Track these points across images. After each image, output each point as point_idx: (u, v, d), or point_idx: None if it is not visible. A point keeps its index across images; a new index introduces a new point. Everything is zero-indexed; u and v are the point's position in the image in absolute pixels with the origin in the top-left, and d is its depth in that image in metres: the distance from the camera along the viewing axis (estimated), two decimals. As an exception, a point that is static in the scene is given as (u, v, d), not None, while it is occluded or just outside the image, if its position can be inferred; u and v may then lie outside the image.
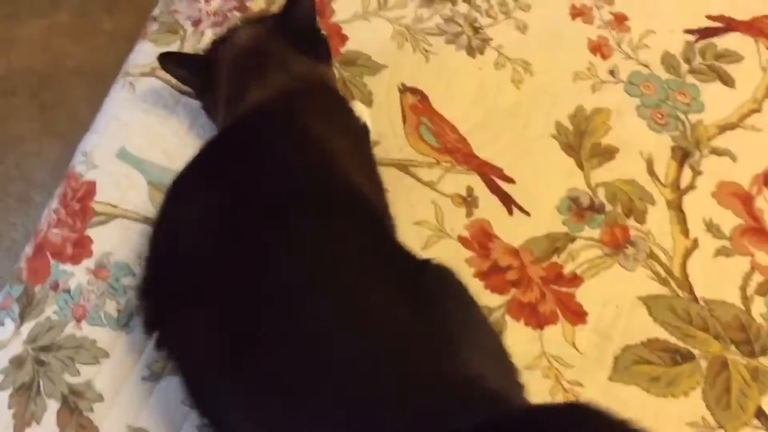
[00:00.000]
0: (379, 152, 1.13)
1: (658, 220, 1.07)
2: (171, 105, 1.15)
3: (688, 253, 1.05)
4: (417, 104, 1.16)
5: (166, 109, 1.15)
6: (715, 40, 1.20)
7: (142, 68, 1.19)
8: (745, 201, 1.07)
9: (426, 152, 1.14)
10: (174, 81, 1.15)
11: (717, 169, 1.10)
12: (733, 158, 1.10)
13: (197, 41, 1.20)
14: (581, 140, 1.13)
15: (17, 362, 1.03)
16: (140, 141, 1.14)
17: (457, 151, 1.14)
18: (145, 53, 1.21)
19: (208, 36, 1.20)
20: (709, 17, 1.22)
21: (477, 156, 1.13)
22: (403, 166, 1.13)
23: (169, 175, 1.09)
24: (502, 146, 1.13)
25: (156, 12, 1.26)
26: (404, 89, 1.17)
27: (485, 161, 1.13)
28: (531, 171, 1.12)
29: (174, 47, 1.20)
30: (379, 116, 1.16)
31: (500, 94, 1.17)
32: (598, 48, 1.20)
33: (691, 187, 1.09)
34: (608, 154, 1.12)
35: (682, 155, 1.11)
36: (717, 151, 1.11)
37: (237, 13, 1.21)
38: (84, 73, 1.77)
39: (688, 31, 1.21)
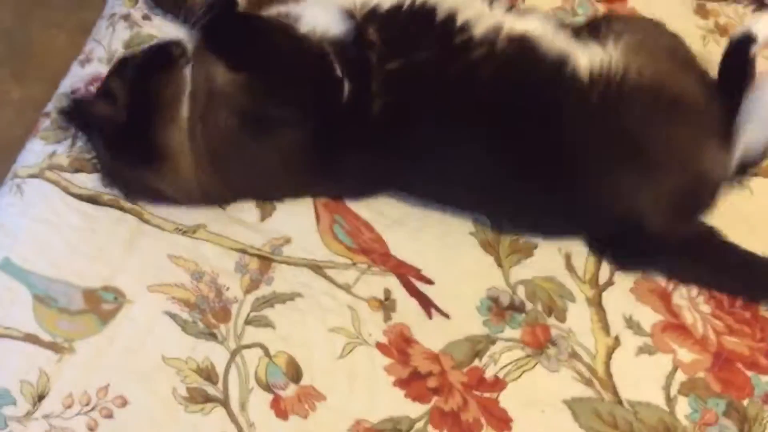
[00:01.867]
0: (291, 252, 1.08)
1: (578, 317, 1.05)
2: (61, 210, 1.06)
3: (610, 352, 1.02)
4: (330, 202, 1.12)
5: (56, 216, 1.06)
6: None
7: (31, 169, 1.10)
8: (662, 297, 1.06)
9: (341, 252, 1.09)
10: (65, 183, 1.08)
11: (635, 264, 1.10)
12: (649, 253, 1.10)
13: (90, 139, 1.12)
14: (499, 237, 1.10)
15: None
16: (25, 251, 1.04)
17: (373, 251, 1.09)
18: (35, 153, 1.12)
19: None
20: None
21: (394, 256, 1.09)
22: (318, 268, 1.07)
23: (57, 287, 1.02)
24: (420, 245, 1.10)
25: (48, 107, 1.18)
26: (316, 186, 1.13)
27: (402, 261, 1.08)
28: (450, 270, 1.08)
29: (65, 146, 1.12)
30: (291, 214, 1.11)
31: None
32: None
33: (610, 283, 1.08)
34: (527, 250, 1.10)
35: (599, 250, 1.10)
36: (633, 246, 1.11)
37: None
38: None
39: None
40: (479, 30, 1.01)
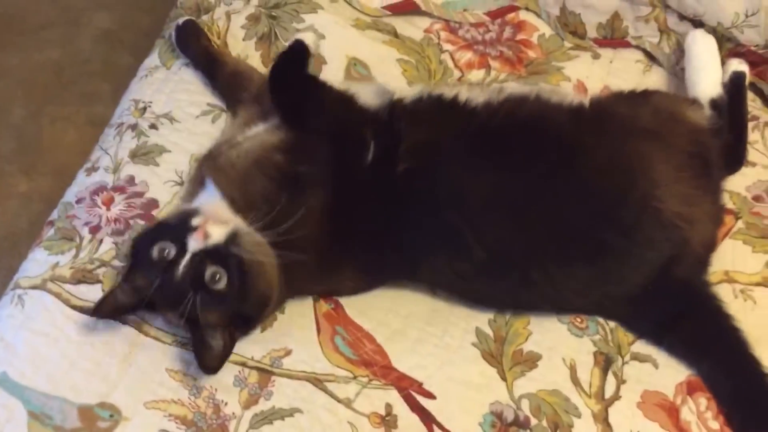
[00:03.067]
0: (291, 364, 1.06)
1: (585, 434, 1.02)
2: (60, 323, 1.05)
3: (618, 472, 1.00)
4: (331, 312, 1.11)
5: (55, 329, 1.05)
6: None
7: (33, 280, 1.10)
8: (670, 412, 1.03)
9: (342, 365, 1.07)
10: (66, 295, 1.08)
11: (640, 376, 1.07)
12: (655, 364, 1.08)
13: (93, 250, 1.12)
14: (502, 347, 1.09)
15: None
16: (23, 365, 1.02)
17: (374, 363, 1.07)
18: (38, 263, 1.12)
19: (107, 245, 1.13)
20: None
21: (396, 368, 1.07)
22: (318, 381, 1.05)
23: (53, 403, 1.00)
24: (422, 356, 1.08)
25: (54, 215, 1.19)
26: (318, 296, 1.12)
27: (404, 374, 1.06)
28: (452, 384, 1.06)
29: (68, 256, 1.12)
30: (292, 325, 1.10)
31: (415, 298, 1.13)
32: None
33: (616, 397, 1.05)
34: (531, 361, 1.08)
35: (605, 361, 1.08)
36: (638, 357, 1.08)
37: (140, 221, 1.15)
38: (-9, 239, 1.69)
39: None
40: (481, 101, 1.12)
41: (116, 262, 1.11)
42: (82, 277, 1.10)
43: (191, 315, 0.97)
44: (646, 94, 1.14)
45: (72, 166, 1.38)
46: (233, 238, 1.00)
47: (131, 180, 1.19)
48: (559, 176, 1.05)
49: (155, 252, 0.99)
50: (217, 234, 0.99)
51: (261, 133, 1.12)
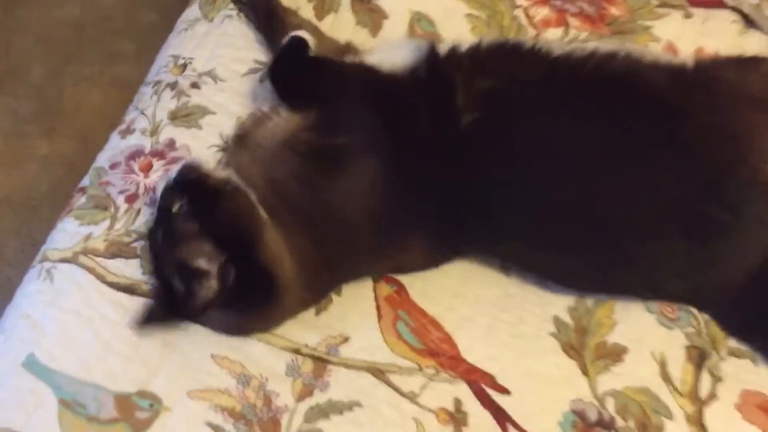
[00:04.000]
0: (349, 353, 0.95)
1: (678, 438, 0.92)
2: (95, 301, 0.95)
3: (715, 480, 0.89)
4: (393, 295, 1.00)
5: (89, 307, 0.95)
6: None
7: (63, 252, 1.00)
8: (775, 415, 0.93)
9: (406, 354, 0.96)
10: (101, 270, 0.97)
11: (738, 374, 0.95)
12: (754, 361, 0.96)
13: (130, 221, 1.02)
14: (584, 339, 0.98)
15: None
16: (53, 347, 0.93)
17: (441, 353, 0.97)
18: (68, 233, 1.02)
19: (146, 215, 1.02)
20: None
21: (465, 360, 0.96)
22: (380, 372, 0.95)
23: (86, 391, 0.90)
24: (494, 347, 0.97)
25: (85, 181, 1.08)
26: (378, 278, 1.01)
27: (474, 366, 0.96)
28: (528, 378, 0.95)
29: (102, 227, 1.01)
30: (350, 309, 0.99)
31: (485, 281, 1.02)
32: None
33: (712, 396, 0.94)
34: (615, 354, 0.96)
35: (699, 357, 0.97)
36: (736, 353, 0.96)
37: (181, 190, 1.04)
38: (12, 203, 1.67)
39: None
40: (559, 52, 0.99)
41: (156, 235, 1.00)
42: (118, 250, 1.00)
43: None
44: (756, 60, 1.01)
45: (95, 128, 1.34)
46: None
47: (171, 144, 1.08)
48: (659, 140, 0.92)
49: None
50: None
51: (285, 111, 1.00)
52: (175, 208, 0.91)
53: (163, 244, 0.92)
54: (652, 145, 0.92)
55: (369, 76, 0.99)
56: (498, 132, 0.94)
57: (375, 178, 0.94)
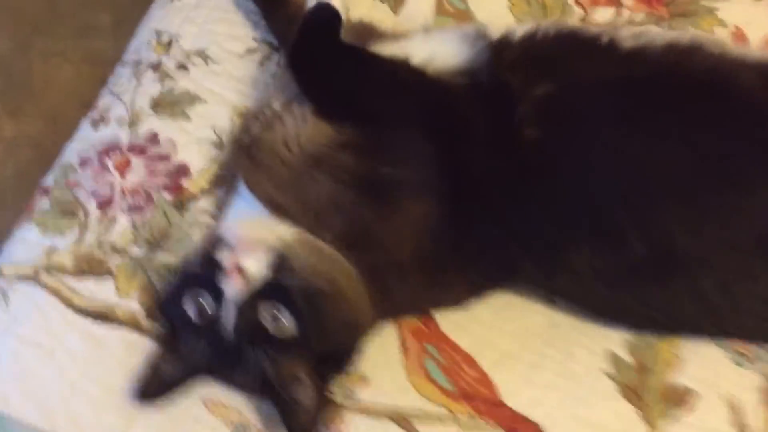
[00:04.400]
0: (368, 396, 0.80)
1: (758, 501, 0.78)
2: (59, 331, 0.79)
3: None
4: (421, 327, 0.84)
5: (53, 339, 0.78)
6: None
7: (21, 269, 0.82)
8: None
9: (434, 398, 0.81)
10: (67, 292, 0.80)
11: (825, 423, 0.82)
12: (844, 407, 0.83)
13: (104, 231, 0.85)
14: (645, 379, 0.83)
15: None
16: (6, 387, 0.77)
17: (477, 396, 0.81)
18: (28, 244, 0.85)
19: (122, 225, 0.85)
20: None
21: (504, 404, 0.81)
22: (404, 420, 0.79)
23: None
24: (539, 389, 0.82)
25: (48, 180, 0.90)
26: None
27: (516, 413, 0.81)
28: (579, 426, 0.80)
29: (69, 239, 0.84)
30: (369, 346, 0.82)
31: (526, 309, 0.87)
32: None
33: (795, 450, 0.81)
34: (682, 399, 0.82)
35: (777, 402, 0.83)
36: (821, 398, 0.84)
37: (166, 194, 0.87)
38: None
39: None
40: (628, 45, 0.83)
41: (135, 250, 0.84)
42: (89, 267, 0.83)
43: (264, 374, 0.71)
44: None
45: (66, 108, 1.31)
46: (281, 263, 0.72)
47: (153, 138, 0.91)
48: (752, 156, 0.78)
49: (191, 310, 0.72)
50: (257, 268, 0.71)
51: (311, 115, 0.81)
52: (267, 322, 0.71)
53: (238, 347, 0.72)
54: (745, 162, 0.77)
55: (418, 81, 0.82)
56: (564, 151, 0.78)
57: (430, 219, 0.79)
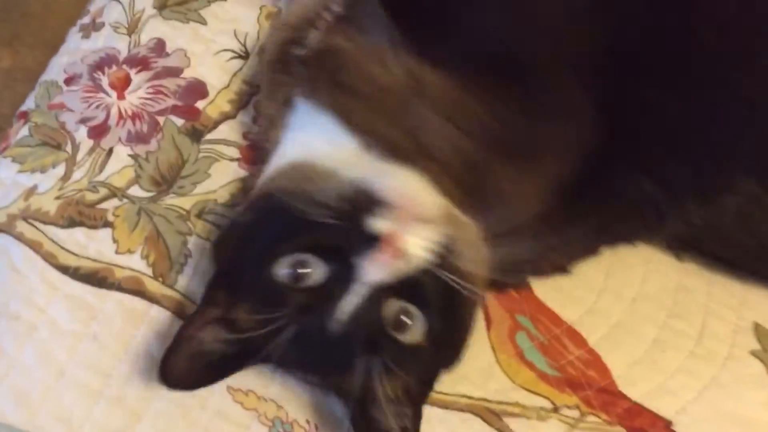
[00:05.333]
0: (444, 385, 0.60)
1: None
2: (43, 296, 0.59)
3: None
4: (510, 293, 0.65)
5: (32, 308, 0.59)
6: None
7: (-8, 215, 0.64)
8: None
9: (530, 385, 0.62)
10: (50, 246, 0.61)
11: None
12: None
13: (96, 169, 0.65)
14: (802, 361, 0.64)
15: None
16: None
17: (587, 383, 0.62)
18: (1, 184, 0.66)
19: (121, 159, 0.65)
20: None
21: (624, 394, 0.63)
22: (492, 414, 0.61)
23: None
24: (667, 374, 0.63)
25: (29, 103, 0.71)
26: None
27: (638, 405, 0.62)
28: (723, 422, 0.62)
29: (53, 177, 0.64)
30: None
31: (651, 273, 0.67)
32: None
33: None
34: None
35: None
36: None
37: (173, 117, 0.67)
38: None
39: None
40: None
41: (138, 192, 0.64)
42: (78, 214, 0.63)
43: (369, 387, 0.51)
44: None
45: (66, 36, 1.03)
46: (448, 252, 0.52)
47: (159, 47, 0.70)
48: None
49: (283, 270, 0.51)
50: (422, 250, 0.51)
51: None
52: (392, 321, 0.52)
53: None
54: None
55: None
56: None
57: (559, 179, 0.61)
